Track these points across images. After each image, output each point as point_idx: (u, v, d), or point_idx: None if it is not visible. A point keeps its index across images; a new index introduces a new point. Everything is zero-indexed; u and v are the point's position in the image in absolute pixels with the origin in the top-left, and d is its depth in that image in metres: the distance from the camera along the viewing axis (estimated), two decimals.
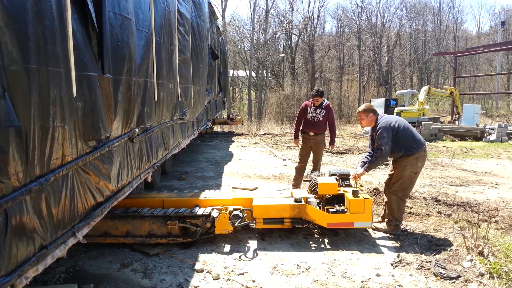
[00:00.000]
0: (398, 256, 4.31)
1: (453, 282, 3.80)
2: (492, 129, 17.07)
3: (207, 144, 14.21)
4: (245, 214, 4.79)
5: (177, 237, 4.65)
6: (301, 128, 7.33)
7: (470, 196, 7.41)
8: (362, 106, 5.27)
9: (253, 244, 4.74)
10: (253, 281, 3.83)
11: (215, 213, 4.69)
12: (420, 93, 21.30)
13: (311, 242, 4.81)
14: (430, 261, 4.17)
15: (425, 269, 4.05)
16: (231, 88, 40.14)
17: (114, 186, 3.55)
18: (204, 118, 10.89)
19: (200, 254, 4.43)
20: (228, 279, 3.84)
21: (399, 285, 3.73)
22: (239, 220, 4.67)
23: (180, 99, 6.70)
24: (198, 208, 4.85)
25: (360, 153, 12.47)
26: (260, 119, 29.21)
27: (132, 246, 4.61)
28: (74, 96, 2.64)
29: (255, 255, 4.42)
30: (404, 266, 4.13)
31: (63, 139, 2.50)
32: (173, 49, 6.11)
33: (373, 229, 5.20)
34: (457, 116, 21.76)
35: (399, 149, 4.94)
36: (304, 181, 6.52)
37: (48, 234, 2.35)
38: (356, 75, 42.21)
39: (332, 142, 7.42)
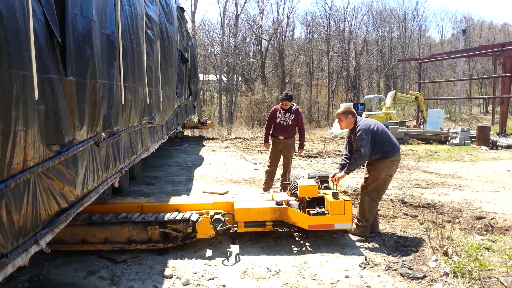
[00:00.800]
0: (366, 258, 4.38)
1: (419, 282, 3.89)
2: (456, 133, 17.66)
3: (177, 148, 14.07)
4: (227, 218, 4.75)
5: (158, 242, 4.57)
6: (271, 132, 7.38)
7: (435, 197, 7.63)
8: (341, 108, 5.31)
9: (223, 248, 4.70)
10: (223, 285, 3.80)
11: (195, 218, 4.62)
12: (387, 98, 21.80)
13: (281, 246, 4.82)
14: (397, 262, 4.26)
15: (392, 270, 4.13)
16: (202, 92, 39.95)
17: (79, 192, 3.45)
18: (174, 122, 10.78)
19: (169, 260, 4.36)
20: (198, 284, 3.80)
21: (367, 286, 3.79)
22: (221, 224, 4.63)
23: (148, 103, 6.61)
24: (178, 213, 4.77)
25: (329, 157, 12.64)
26: (231, 123, 29.19)
27: (99, 253, 4.48)
28: (36, 99, 2.56)
29: (225, 260, 4.38)
30: (372, 267, 4.20)
31: (25, 143, 2.42)
32: (141, 52, 6.02)
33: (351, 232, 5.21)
34: (422, 120, 22.42)
35: (376, 151, 5.01)
36: (283, 183, 6.57)
37: (9, 242, 2.25)
38: (325, 80, 42.87)
39: (301, 146, 7.52)
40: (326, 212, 4.90)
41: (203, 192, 7.36)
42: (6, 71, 2.19)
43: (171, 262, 4.30)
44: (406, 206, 6.72)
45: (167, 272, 4.01)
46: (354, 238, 5.11)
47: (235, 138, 17.82)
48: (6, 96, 2.19)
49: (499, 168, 11.41)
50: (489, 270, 3.90)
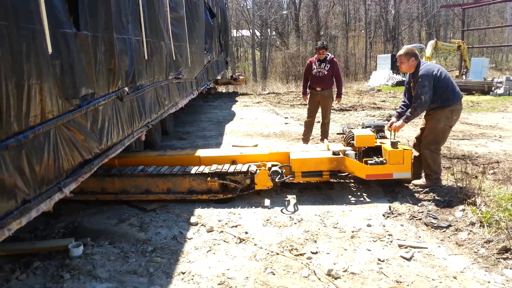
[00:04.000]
0: (390, 208, 4.35)
1: (444, 231, 3.84)
2: (500, 82, 16.69)
3: (210, 104, 14.17)
4: (284, 170, 4.80)
5: (218, 193, 4.73)
6: (308, 84, 7.34)
7: (472, 149, 7.36)
8: (403, 49, 4.98)
9: (247, 198, 4.79)
10: (246, 232, 3.90)
11: (254, 170, 4.71)
12: (427, 47, 20.72)
13: (305, 196, 4.86)
14: (422, 212, 4.21)
15: (416, 219, 4.09)
16: (235, 48, 39.51)
17: (103, 144, 3.58)
18: (204, 78, 10.80)
19: (196, 209, 4.51)
20: (222, 231, 3.93)
21: (389, 235, 3.78)
22: (279, 176, 4.70)
23: (174, 58, 6.62)
24: (236, 164, 4.89)
25: (363, 110, 12.36)
26: (265, 79, 28.89)
27: (130, 202, 4.69)
28: (50, 53, 2.61)
29: (249, 209, 4.48)
30: (396, 216, 4.17)
31: (40, 96, 2.49)
32: (164, 7, 5.97)
33: (412, 185, 5.08)
34: (465, 70, 21.26)
35: (436, 99, 4.71)
36: (338, 134, 6.56)
37: (31, 189, 2.39)
38: (362, 31, 41.15)
39: (339, 95, 7.45)
40: (384, 161, 4.84)
41: (233, 145, 7.44)
42: (14, 25, 2.23)
43: (198, 211, 4.45)
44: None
45: (193, 220, 4.16)
46: (380, 189, 5.05)
47: (268, 93, 17.69)
48: (16, 50, 2.24)
49: None
50: None
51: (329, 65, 7.09)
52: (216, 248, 3.63)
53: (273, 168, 4.76)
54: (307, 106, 7.42)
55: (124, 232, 4.00)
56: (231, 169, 4.73)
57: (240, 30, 39.94)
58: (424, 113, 5.03)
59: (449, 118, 4.77)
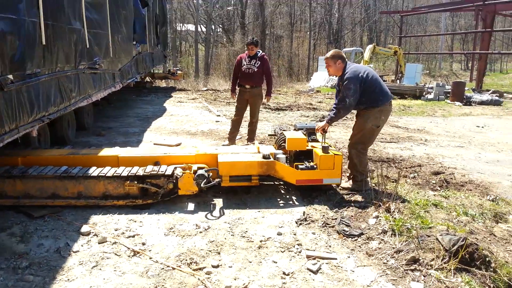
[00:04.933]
0: (304, 214, 4.11)
1: (355, 239, 3.65)
2: (431, 88, 17.40)
3: (143, 99, 13.47)
4: (211, 174, 4.41)
5: (136, 198, 4.24)
6: (237, 81, 7.01)
7: (397, 152, 7.41)
8: (330, 52, 4.77)
9: (153, 204, 4.37)
10: (143, 243, 3.49)
11: (178, 173, 4.28)
12: (365, 51, 21.27)
13: (216, 201, 4.52)
14: (335, 219, 4.01)
15: (329, 227, 3.88)
16: (179, 42, 38.55)
17: None
18: (133, 71, 10.18)
19: (92, 216, 4.01)
20: (115, 242, 3.48)
21: (298, 244, 3.53)
22: (205, 180, 4.29)
23: (88, 46, 6.03)
24: (158, 166, 4.41)
25: (298, 110, 12.28)
26: (207, 75, 28.34)
27: (18, 208, 4.11)
28: None
29: (153, 216, 4.06)
30: (309, 224, 3.94)
31: None
32: None
33: (340, 189, 4.90)
34: (400, 75, 22.06)
35: (364, 101, 4.57)
36: (269, 135, 6.24)
37: None
38: (307, 32, 41.69)
39: (268, 93, 7.20)
40: (315, 166, 4.62)
41: (154, 144, 6.97)
42: None
43: (94, 218, 3.96)
44: None
45: (84, 228, 3.67)
46: (298, 193, 4.83)
47: (207, 90, 17.23)
48: None
49: (469, 124, 11.27)
50: (429, 228, 3.66)
51: (259, 62, 6.80)
52: (104, 263, 3.18)
53: (199, 172, 4.37)
54: (236, 104, 7.11)
55: (1, 243, 3.44)
56: (152, 171, 4.27)
57: (185, 25, 38.99)
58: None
59: (377, 118, 4.65)
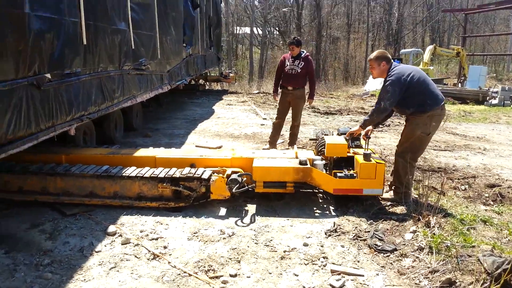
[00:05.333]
0: (334, 224, 3.88)
1: (387, 255, 3.38)
2: (496, 92, 16.18)
3: (194, 101, 13.70)
4: (244, 179, 4.32)
5: (169, 200, 4.26)
6: (280, 82, 6.86)
7: (451, 161, 6.90)
8: (375, 53, 4.52)
9: (186, 207, 4.33)
10: (164, 247, 3.45)
11: (209, 176, 4.23)
12: (425, 52, 20.26)
13: (248, 207, 4.40)
14: (368, 231, 3.74)
15: (360, 240, 3.63)
16: (235, 45, 39.01)
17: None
18: (183, 73, 10.34)
19: (121, 216, 4.05)
20: (137, 244, 3.48)
21: (324, 257, 3.32)
22: (237, 185, 4.22)
23: (133, 47, 6.16)
24: (192, 168, 4.39)
25: (348, 114, 11.88)
26: (261, 78, 28.39)
27: (53, 205, 4.24)
28: None
29: (180, 219, 4.02)
30: (339, 235, 3.71)
31: None
32: None
33: (380, 199, 4.62)
34: (463, 78, 20.77)
35: (411, 105, 4.26)
36: (311, 140, 6.08)
37: None
38: (365, 33, 40.55)
39: (311, 96, 6.97)
40: (354, 175, 4.36)
41: (196, 146, 6.98)
42: None
43: (122, 219, 4.00)
44: None
45: (111, 229, 3.70)
46: (332, 201, 4.59)
47: (258, 93, 17.20)
48: None
49: None
50: (472, 247, 3.31)
51: (303, 63, 6.58)
52: (122, 264, 3.17)
53: (232, 176, 4.28)
54: (278, 106, 6.96)
55: (31, 239, 3.55)
56: (185, 174, 4.24)
57: (242, 27, 39.42)
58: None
59: (427, 124, 4.28)
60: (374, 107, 4.37)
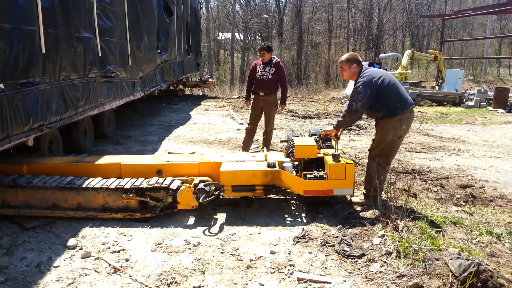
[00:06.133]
0: (303, 230, 3.80)
1: (355, 261, 3.31)
2: (472, 94, 16.44)
3: (171, 107, 13.54)
4: (212, 188, 4.20)
5: (135, 211, 4.11)
6: (252, 89, 6.82)
7: (425, 163, 6.93)
8: (345, 55, 4.48)
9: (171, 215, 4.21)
10: (126, 260, 3.32)
11: (175, 186, 4.10)
12: (403, 57, 20.52)
13: (216, 215, 4.29)
14: (337, 237, 3.68)
15: (328, 246, 3.55)
16: (217, 51, 38.95)
17: None
18: (157, 79, 10.21)
19: (83, 228, 3.90)
20: (98, 258, 3.33)
21: (290, 265, 3.24)
22: (205, 194, 4.08)
23: (100, 55, 6.02)
24: (159, 178, 4.26)
25: (326, 118, 11.89)
26: (243, 83, 28.35)
27: (13, 218, 4.07)
28: None
29: (144, 230, 3.89)
30: (307, 242, 3.63)
31: None
32: None
33: (350, 203, 4.58)
34: (441, 81, 21.06)
35: (381, 108, 4.24)
36: (282, 141, 6.00)
37: None
38: (346, 38, 40.92)
39: (283, 101, 6.96)
40: (324, 176, 4.29)
41: (168, 153, 6.85)
42: None
43: (84, 231, 3.84)
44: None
45: (71, 242, 3.55)
46: (302, 207, 4.52)
47: (237, 97, 17.13)
48: None
49: (510, 133, 10.47)
50: (440, 250, 3.27)
51: (274, 69, 6.56)
52: (81, 280, 3.03)
53: (200, 185, 4.16)
54: (250, 112, 6.90)
55: None
56: (151, 184, 4.11)
57: (224, 33, 39.40)
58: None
59: (397, 128, 4.26)
60: (346, 109, 4.32)
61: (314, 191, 4.29)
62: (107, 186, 4.08)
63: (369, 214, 4.24)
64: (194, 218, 4.20)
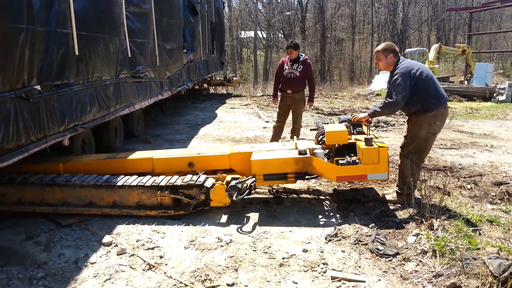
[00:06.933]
0: (335, 229, 3.78)
1: (389, 260, 3.27)
2: (503, 88, 15.93)
3: (197, 106, 13.65)
4: (245, 185, 4.21)
5: (169, 209, 4.18)
6: (279, 86, 6.83)
7: (457, 159, 6.76)
8: (382, 45, 4.39)
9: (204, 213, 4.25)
10: (160, 257, 3.37)
11: (209, 184, 4.13)
12: (430, 51, 20.06)
13: (247, 213, 4.30)
14: (370, 235, 3.64)
15: (362, 244, 3.52)
16: (240, 49, 39.05)
17: None
18: (184, 78, 10.31)
19: (118, 225, 3.98)
20: (133, 255, 3.40)
21: (324, 263, 3.22)
22: (237, 192, 4.11)
23: (130, 56, 6.12)
24: (192, 176, 4.29)
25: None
26: (266, 81, 28.34)
27: (49, 215, 4.19)
28: None
29: (177, 227, 3.94)
30: (340, 240, 3.61)
31: None
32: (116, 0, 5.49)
33: (383, 201, 4.50)
34: (470, 75, 20.51)
35: (416, 102, 4.14)
36: (311, 130, 6.00)
37: None
38: (369, 34, 40.35)
39: (310, 99, 6.95)
40: (357, 161, 4.23)
41: None
42: None
43: (119, 228, 3.92)
44: None
45: (106, 239, 3.63)
46: (334, 205, 4.49)
47: (262, 96, 17.12)
48: None
49: None
50: (478, 249, 3.19)
51: (301, 66, 6.54)
52: (117, 276, 3.10)
53: (232, 183, 4.17)
54: (278, 110, 6.90)
55: (26, 251, 3.49)
56: (185, 181, 4.14)
57: (246, 32, 39.46)
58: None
59: (431, 124, 4.16)
60: (386, 101, 4.21)
61: (347, 177, 4.24)
62: (142, 184, 4.15)
63: (402, 212, 4.17)
64: (225, 216, 4.23)
